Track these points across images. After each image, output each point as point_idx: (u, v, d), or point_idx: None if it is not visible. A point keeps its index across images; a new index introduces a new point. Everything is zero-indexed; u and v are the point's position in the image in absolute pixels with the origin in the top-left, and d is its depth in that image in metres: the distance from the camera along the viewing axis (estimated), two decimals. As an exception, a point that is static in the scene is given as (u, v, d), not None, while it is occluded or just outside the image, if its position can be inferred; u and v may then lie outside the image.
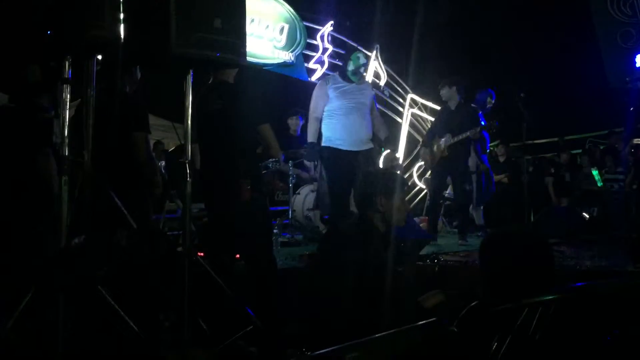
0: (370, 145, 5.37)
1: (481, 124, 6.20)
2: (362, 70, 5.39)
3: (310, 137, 5.27)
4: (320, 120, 5.26)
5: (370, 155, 5.41)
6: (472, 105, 6.60)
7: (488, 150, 6.83)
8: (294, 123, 7.39)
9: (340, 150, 5.17)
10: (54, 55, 2.68)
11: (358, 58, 5.32)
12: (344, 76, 5.31)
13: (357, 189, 3.67)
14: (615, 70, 10.19)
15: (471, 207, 6.94)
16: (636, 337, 1.69)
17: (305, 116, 7.45)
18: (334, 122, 5.22)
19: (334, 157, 5.20)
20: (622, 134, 8.95)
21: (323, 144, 5.29)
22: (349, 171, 5.02)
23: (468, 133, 6.07)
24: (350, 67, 5.29)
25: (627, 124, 8.83)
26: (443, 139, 6.24)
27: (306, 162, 7.05)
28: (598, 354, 1.63)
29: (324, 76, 8.64)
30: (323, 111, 5.25)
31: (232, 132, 3.76)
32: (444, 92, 6.43)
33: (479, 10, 10.88)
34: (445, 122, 6.36)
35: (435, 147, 6.36)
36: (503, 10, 11.09)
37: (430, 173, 6.70)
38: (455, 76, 6.52)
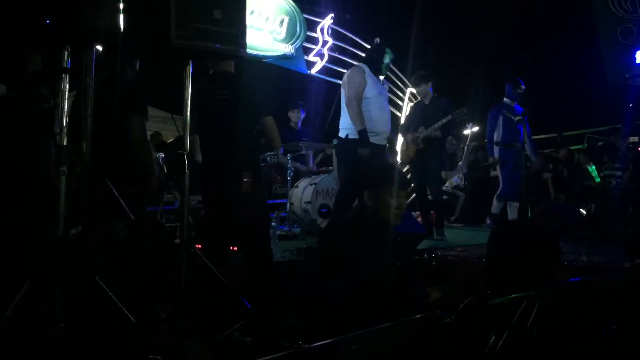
0: (386, 142, 5.39)
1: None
2: (390, 65, 5.50)
3: (361, 124, 5.10)
4: (361, 105, 5.16)
5: (384, 151, 5.42)
6: (446, 99, 6.55)
7: (520, 144, 6.51)
8: (296, 115, 7.38)
9: (372, 143, 5.12)
10: (53, 44, 2.67)
11: (391, 52, 5.42)
12: (376, 68, 5.33)
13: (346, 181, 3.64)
14: (615, 67, 10.16)
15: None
16: (633, 332, 1.70)
17: (306, 109, 7.47)
18: (367, 113, 5.17)
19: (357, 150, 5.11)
20: (621, 131, 8.96)
21: (351, 135, 5.17)
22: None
23: (438, 123, 6.08)
24: (387, 59, 5.35)
25: (626, 120, 8.83)
26: (418, 133, 6.23)
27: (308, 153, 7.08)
28: (595, 348, 1.64)
29: (323, 69, 8.64)
30: (362, 96, 5.17)
31: (236, 123, 3.74)
32: (421, 89, 6.41)
33: (479, 6, 10.87)
34: (420, 116, 6.35)
35: (410, 141, 6.33)
36: (503, 6, 11.07)
37: (409, 168, 6.63)
38: (424, 71, 6.53)
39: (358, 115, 5.11)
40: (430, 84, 6.34)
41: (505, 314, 1.52)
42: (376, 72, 5.32)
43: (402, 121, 9.52)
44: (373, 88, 5.20)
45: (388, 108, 5.40)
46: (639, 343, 1.69)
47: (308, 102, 7.96)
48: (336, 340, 1.45)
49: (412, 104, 7.72)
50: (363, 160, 5.01)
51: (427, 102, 6.35)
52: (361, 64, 5.52)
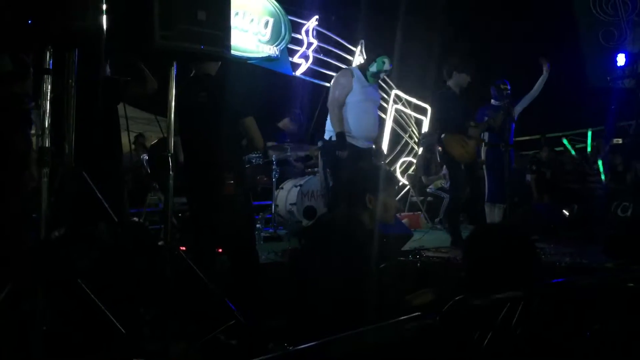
0: (372, 144, 5.31)
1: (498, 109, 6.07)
2: (382, 75, 5.29)
3: (339, 127, 5.03)
4: (341, 109, 5.07)
5: (369, 154, 5.38)
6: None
7: (510, 144, 6.30)
8: (288, 124, 7.37)
9: (353, 146, 5.05)
10: (35, 45, 2.64)
11: (383, 63, 5.16)
12: (364, 74, 5.20)
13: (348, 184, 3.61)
14: (596, 69, 10.31)
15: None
16: (615, 333, 1.71)
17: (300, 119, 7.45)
18: (352, 116, 5.08)
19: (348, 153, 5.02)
20: (604, 133, 9.07)
21: (334, 137, 5.07)
22: (351, 167, 4.71)
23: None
24: (373, 68, 5.16)
25: (608, 122, 8.94)
26: (473, 127, 5.96)
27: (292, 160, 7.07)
28: (578, 349, 1.65)
29: (308, 70, 8.64)
30: (344, 100, 5.07)
31: (215, 126, 3.74)
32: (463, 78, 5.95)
33: (461, 9, 10.93)
34: (461, 108, 5.95)
35: (469, 137, 5.90)
36: (485, 9, 11.15)
37: (452, 169, 6.10)
38: (455, 58, 6.09)
39: (336, 119, 5.07)
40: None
41: (489, 315, 1.52)
42: (365, 78, 5.19)
43: (387, 123, 9.56)
44: (360, 92, 5.11)
45: (375, 113, 5.31)
46: (621, 344, 1.71)
47: (293, 104, 7.96)
48: (322, 342, 1.45)
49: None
50: (343, 162, 4.94)
51: (458, 92, 5.97)
52: (353, 68, 5.46)
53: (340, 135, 5.04)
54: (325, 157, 5.42)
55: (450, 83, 5.95)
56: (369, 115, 5.18)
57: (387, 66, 5.20)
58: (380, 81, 9.35)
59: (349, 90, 5.10)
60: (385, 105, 9.59)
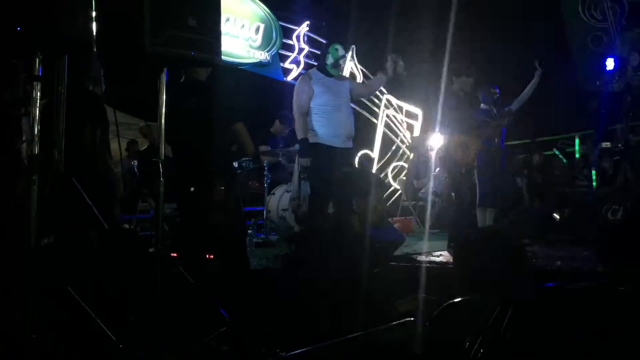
0: (351, 144, 5.22)
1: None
2: (341, 62, 5.17)
3: (302, 134, 4.98)
4: (306, 115, 5.01)
5: (351, 154, 5.32)
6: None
7: (502, 148, 6.33)
8: (280, 127, 7.35)
9: (328, 146, 4.97)
10: (24, 51, 2.63)
11: (336, 50, 5.09)
12: (323, 70, 5.10)
13: (334, 188, 3.59)
14: (586, 74, 10.37)
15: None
16: (604, 335, 1.72)
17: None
18: (321, 118, 5.00)
19: (321, 154, 4.96)
20: (594, 137, 9.11)
21: (310, 140, 5.00)
22: (333, 169, 4.74)
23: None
24: (329, 60, 5.07)
25: (597, 126, 8.99)
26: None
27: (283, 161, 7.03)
28: (568, 351, 1.65)
29: (300, 76, 8.64)
30: (309, 106, 5.00)
31: (206, 132, 3.73)
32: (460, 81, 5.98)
33: (452, 13, 10.96)
34: (464, 112, 5.94)
35: (473, 142, 5.91)
36: (475, 13, 11.19)
37: (454, 176, 6.04)
38: (453, 63, 6.15)
39: (299, 126, 5.02)
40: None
41: (479, 319, 1.53)
42: (325, 73, 5.10)
43: (378, 128, 9.56)
44: (324, 93, 5.01)
45: (348, 109, 5.15)
46: (610, 346, 1.71)
47: (283, 109, 7.96)
48: (314, 348, 1.45)
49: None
50: (321, 165, 4.88)
51: (462, 96, 5.96)
52: (312, 70, 5.34)
53: (302, 142, 4.99)
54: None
55: (454, 88, 5.98)
56: (341, 113, 5.06)
57: (341, 52, 5.12)
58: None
59: (309, 95, 5.01)
60: (376, 110, 9.60)
